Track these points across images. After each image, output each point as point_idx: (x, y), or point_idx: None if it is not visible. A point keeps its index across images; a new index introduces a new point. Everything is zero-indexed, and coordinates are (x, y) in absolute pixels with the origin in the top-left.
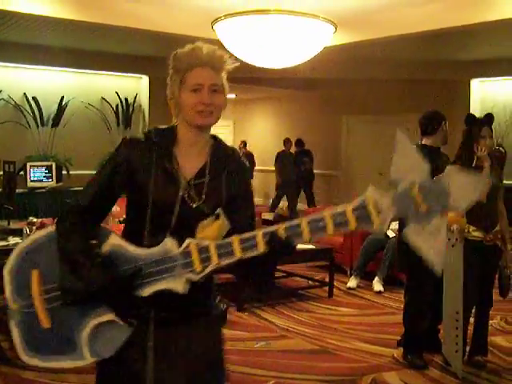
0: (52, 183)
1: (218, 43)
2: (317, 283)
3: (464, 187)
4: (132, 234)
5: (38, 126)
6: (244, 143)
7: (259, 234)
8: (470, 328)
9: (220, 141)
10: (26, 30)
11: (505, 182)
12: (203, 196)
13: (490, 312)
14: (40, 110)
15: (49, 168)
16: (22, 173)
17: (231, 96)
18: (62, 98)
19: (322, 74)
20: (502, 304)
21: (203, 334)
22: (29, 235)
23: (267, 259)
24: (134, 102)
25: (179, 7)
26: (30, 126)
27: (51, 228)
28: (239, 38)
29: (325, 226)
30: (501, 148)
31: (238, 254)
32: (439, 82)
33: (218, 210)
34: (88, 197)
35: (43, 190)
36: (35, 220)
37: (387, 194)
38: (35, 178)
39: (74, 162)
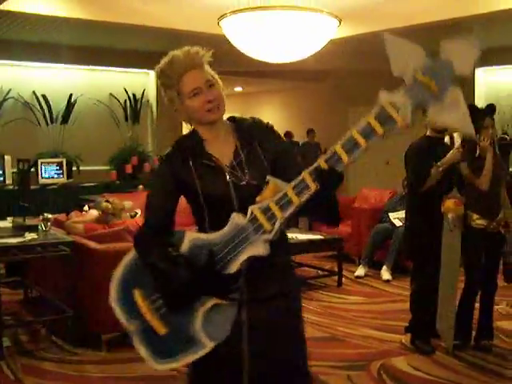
0: (63, 179)
1: (224, 39)
2: (326, 272)
3: (462, 52)
4: (203, 231)
5: (47, 124)
6: None
7: (305, 175)
8: (476, 313)
9: (238, 119)
10: (33, 28)
11: (510, 169)
12: (246, 171)
13: (496, 298)
14: (49, 107)
15: (60, 164)
16: (32, 169)
17: (238, 89)
18: (71, 95)
19: (328, 65)
20: (508, 290)
21: (289, 309)
22: (45, 231)
23: (323, 194)
24: (142, 97)
25: (186, 3)
26: (39, 123)
27: (131, 253)
28: (245, 33)
29: (357, 141)
30: (506, 136)
31: (296, 201)
32: None
33: (268, 177)
34: (151, 218)
35: (54, 187)
36: (50, 216)
37: (398, 90)
38: (46, 175)
39: (84, 158)
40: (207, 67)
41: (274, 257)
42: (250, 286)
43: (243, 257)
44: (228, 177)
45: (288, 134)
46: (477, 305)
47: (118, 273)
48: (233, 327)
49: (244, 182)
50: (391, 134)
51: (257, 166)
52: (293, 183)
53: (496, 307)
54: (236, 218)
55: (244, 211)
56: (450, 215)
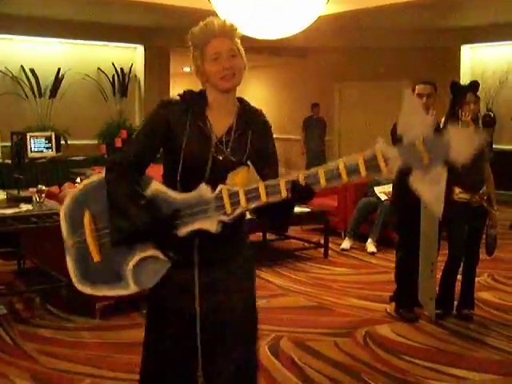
0: (52, 153)
1: (213, 14)
2: (312, 245)
3: (461, 142)
4: (169, 186)
5: (35, 98)
6: None
7: (282, 181)
8: (458, 284)
9: (246, 102)
10: (21, 2)
11: (494, 146)
12: (228, 149)
13: (478, 269)
14: (37, 81)
15: (48, 138)
16: None
17: None
18: (59, 69)
19: (315, 42)
20: (489, 262)
21: (240, 271)
22: (40, 202)
23: (289, 203)
24: (130, 71)
25: None
26: (27, 97)
27: (100, 175)
28: (235, 9)
29: (339, 174)
30: (490, 113)
31: (264, 199)
32: (430, 48)
33: (248, 162)
34: (132, 152)
35: (43, 160)
36: (44, 188)
37: (394, 146)
38: (35, 149)
39: (72, 132)
40: (237, 40)
41: (226, 228)
42: (202, 249)
43: (194, 227)
44: (212, 147)
45: None
46: (459, 276)
47: (77, 191)
48: (185, 288)
49: (221, 157)
50: (372, 178)
51: (241, 148)
52: (267, 182)
53: (477, 279)
54: (203, 190)
55: (211, 181)
56: None
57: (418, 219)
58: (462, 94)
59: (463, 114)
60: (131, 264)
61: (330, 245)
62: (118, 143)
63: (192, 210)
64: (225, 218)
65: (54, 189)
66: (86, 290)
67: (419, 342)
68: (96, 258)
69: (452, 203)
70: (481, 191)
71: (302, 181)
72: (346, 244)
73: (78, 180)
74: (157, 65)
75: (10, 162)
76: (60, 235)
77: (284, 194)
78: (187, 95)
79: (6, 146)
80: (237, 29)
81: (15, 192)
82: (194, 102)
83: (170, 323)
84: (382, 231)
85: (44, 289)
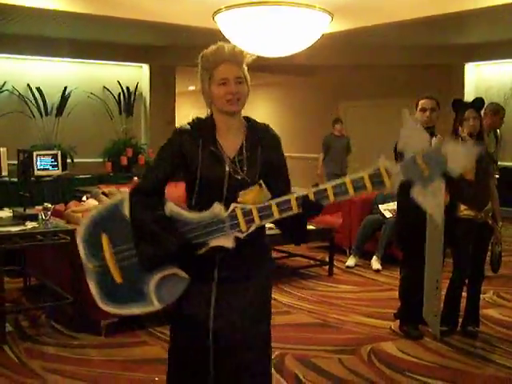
0: (58, 171)
1: (218, 33)
2: (317, 262)
3: (458, 155)
4: (190, 206)
5: (41, 116)
6: None
7: (293, 197)
8: (463, 301)
9: (253, 121)
10: (28, 22)
11: (501, 163)
12: (245, 169)
13: (483, 287)
14: (44, 100)
15: (54, 157)
16: None
17: None
18: (65, 88)
19: (319, 60)
20: (494, 279)
21: (258, 287)
22: (46, 220)
23: (301, 218)
24: (136, 90)
25: None
26: (34, 115)
27: (114, 199)
28: (239, 28)
29: (346, 189)
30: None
31: (276, 215)
32: (434, 66)
33: (260, 181)
34: (151, 179)
35: (49, 178)
36: (50, 206)
37: (396, 162)
38: (41, 167)
39: (78, 150)
40: (245, 68)
41: (244, 245)
42: (222, 266)
43: (213, 244)
44: (227, 168)
45: None
46: (464, 293)
47: (94, 214)
48: (202, 304)
49: (239, 177)
50: (376, 191)
51: (254, 166)
52: (279, 200)
53: (483, 296)
54: (217, 209)
55: (228, 201)
56: None
57: (423, 236)
58: (462, 111)
59: (461, 129)
60: (153, 283)
61: (335, 262)
62: (124, 161)
63: (207, 229)
64: (240, 235)
65: (60, 206)
66: (112, 310)
67: (424, 359)
68: (118, 279)
69: (457, 220)
70: (486, 208)
71: (311, 196)
72: (351, 261)
73: (84, 198)
74: (162, 83)
75: (16, 179)
76: (65, 253)
77: (295, 210)
78: (197, 123)
79: (13, 164)
80: (246, 55)
81: (21, 210)
82: (204, 127)
83: (184, 332)
84: (387, 248)
85: (49, 306)
